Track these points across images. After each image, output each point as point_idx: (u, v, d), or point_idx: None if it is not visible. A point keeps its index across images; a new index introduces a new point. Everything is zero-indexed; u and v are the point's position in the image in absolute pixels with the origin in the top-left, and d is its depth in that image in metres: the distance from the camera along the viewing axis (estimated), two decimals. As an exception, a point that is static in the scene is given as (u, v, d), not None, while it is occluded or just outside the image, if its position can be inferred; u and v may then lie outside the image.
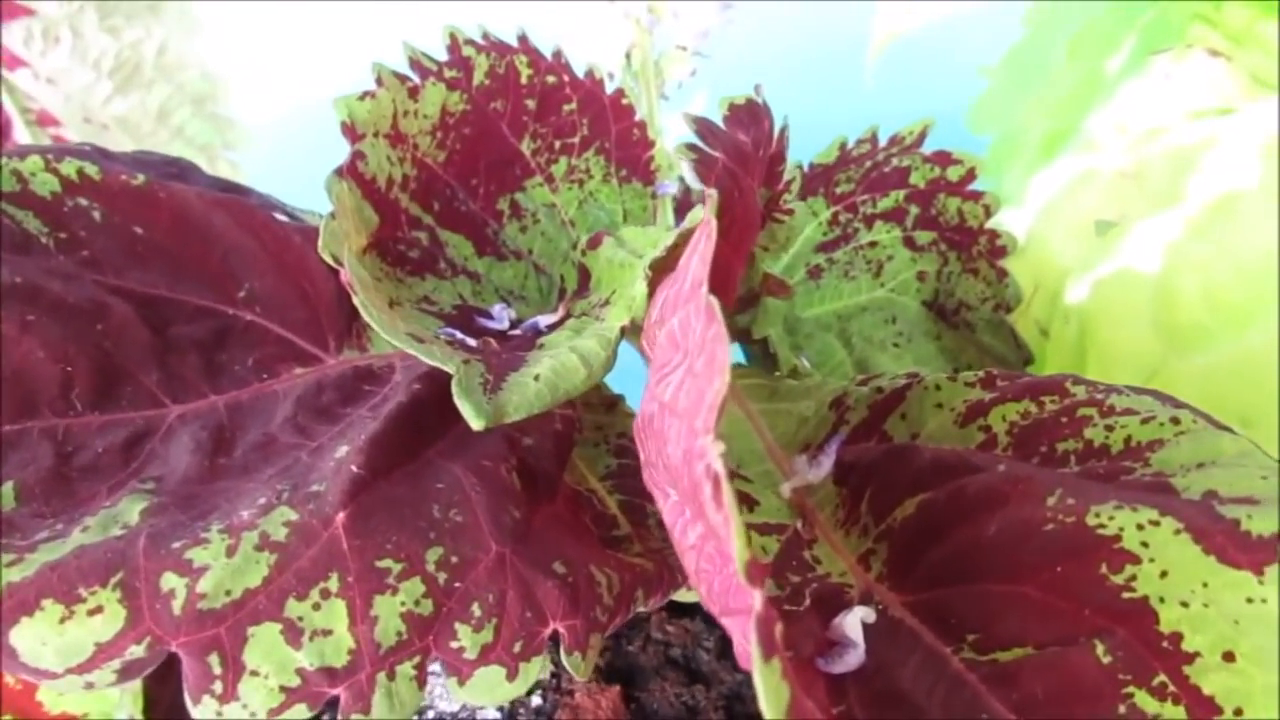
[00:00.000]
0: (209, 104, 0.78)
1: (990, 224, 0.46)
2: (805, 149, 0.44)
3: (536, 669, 0.29)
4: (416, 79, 0.38)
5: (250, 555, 0.28)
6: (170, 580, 0.27)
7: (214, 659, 0.27)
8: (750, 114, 0.33)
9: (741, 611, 0.21)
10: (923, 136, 0.44)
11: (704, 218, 0.23)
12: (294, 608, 0.28)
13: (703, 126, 0.30)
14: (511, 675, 0.29)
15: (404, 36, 0.39)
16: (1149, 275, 0.46)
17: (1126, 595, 0.25)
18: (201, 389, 0.34)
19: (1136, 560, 0.25)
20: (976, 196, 0.45)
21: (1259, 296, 0.43)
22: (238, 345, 0.36)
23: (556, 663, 0.39)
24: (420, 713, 0.39)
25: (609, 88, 0.42)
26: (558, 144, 0.42)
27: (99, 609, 0.27)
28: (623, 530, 0.36)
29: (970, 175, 0.45)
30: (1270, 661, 0.23)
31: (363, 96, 0.36)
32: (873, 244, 0.47)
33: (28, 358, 0.32)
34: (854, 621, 0.28)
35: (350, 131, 0.35)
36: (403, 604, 0.28)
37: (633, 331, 0.34)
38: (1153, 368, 0.46)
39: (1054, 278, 0.50)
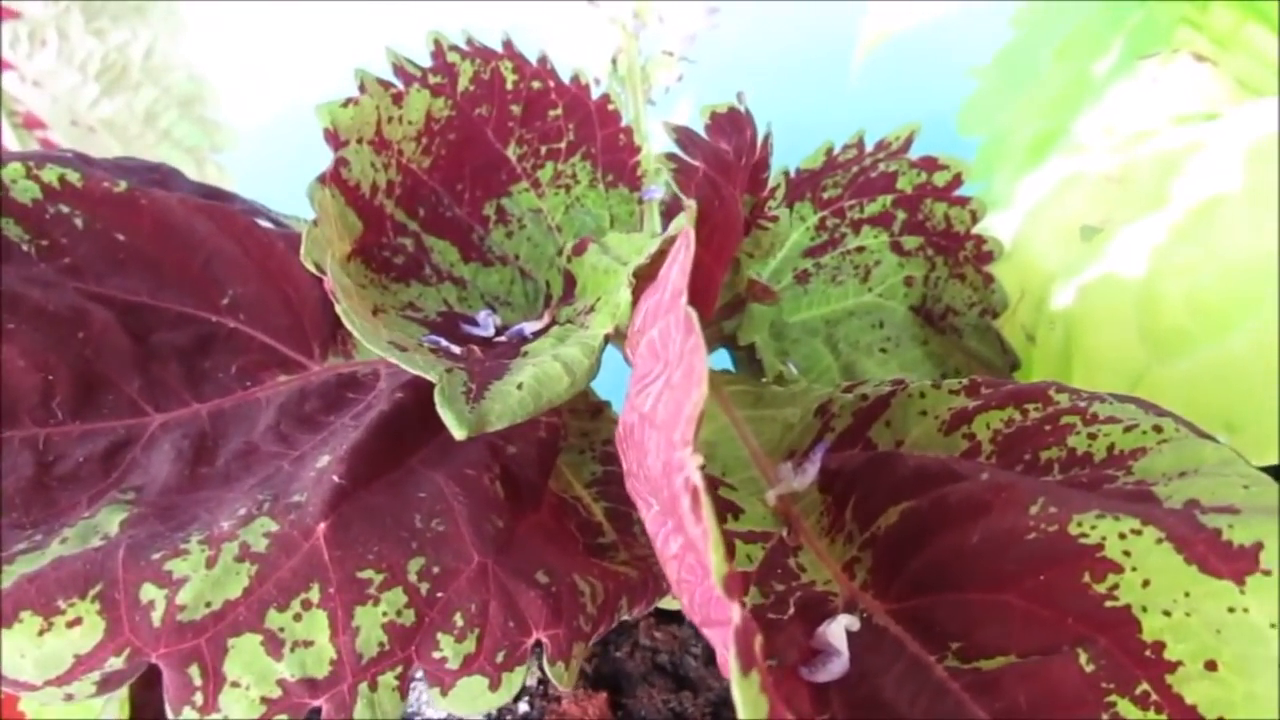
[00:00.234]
0: (196, 106, 0.78)
1: (977, 229, 0.46)
2: (794, 151, 0.44)
3: (519, 679, 0.29)
4: (400, 85, 0.37)
5: (230, 566, 0.28)
6: (150, 591, 0.27)
7: (194, 670, 0.27)
8: (732, 122, 0.33)
9: (721, 623, 0.20)
10: (909, 141, 0.44)
11: (683, 228, 0.23)
12: (275, 619, 0.28)
13: (683, 135, 0.30)
14: (494, 685, 0.29)
15: (391, 40, 0.38)
16: (1134, 280, 0.46)
17: (1109, 604, 0.25)
18: (184, 397, 0.34)
19: (1119, 569, 0.25)
20: (963, 201, 0.45)
21: (1242, 301, 0.43)
22: (221, 352, 0.36)
23: (543, 669, 0.39)
24: (406, 720, 0.39)
25: (595, 93, 0.42)
26: (544, 149, 0.42)
27: (78, 620, 0.26)
28: (608, 538, 0.36)
29: (957, 180, 0.45)
30: (1252, 670, 0.23)
31: (346, 103, 0.35)
32: (860, 249, 0.47)
33: (8, 366, 0.31)
34: (838, 630, 0.28)
35: (333, 138, 0.35)
36: (384, 614, 0.28)
37: (617, 338, 0.34)
38: (1138, 373, 0.46)
39: (1040, 283, 0.50)
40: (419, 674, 0.29)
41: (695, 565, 0.23)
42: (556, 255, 0.42)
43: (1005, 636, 0.26)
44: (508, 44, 0.40)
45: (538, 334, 0.36)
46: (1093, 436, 0.29)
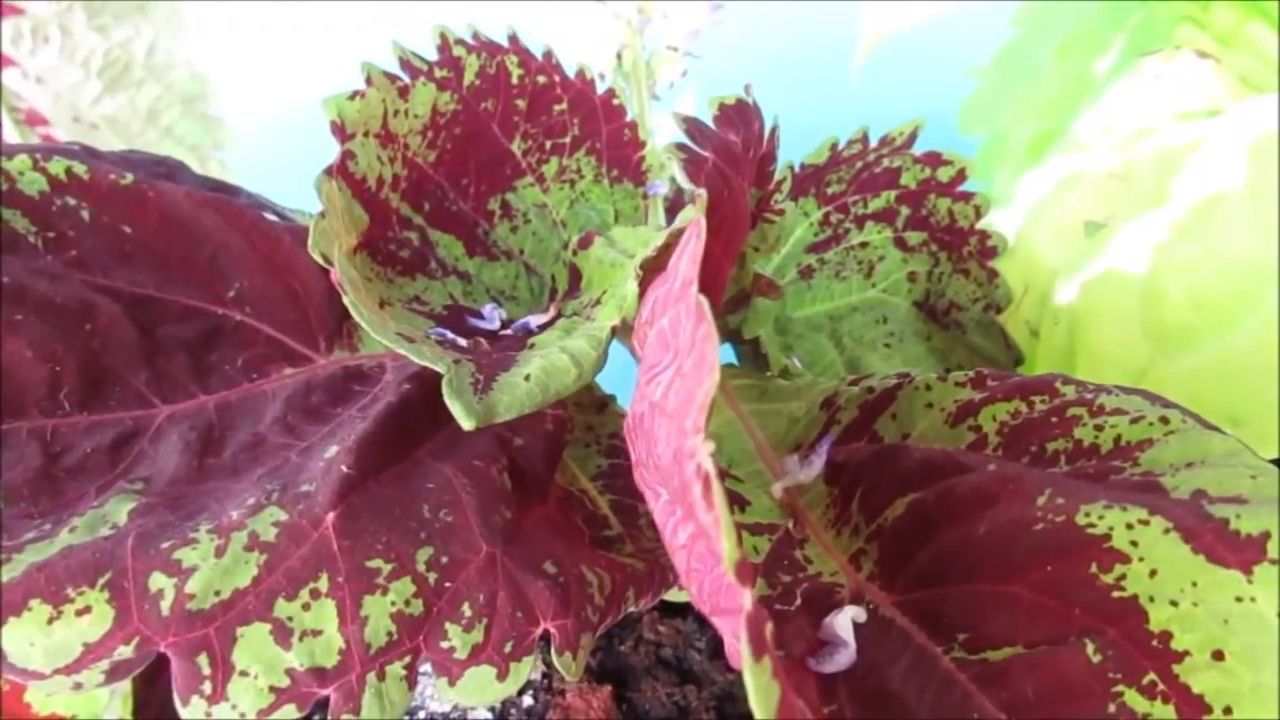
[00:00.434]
0: (199, 104, 0.78)
1: (980, 225, 0.46)
2: (796, 149, 0.44)
3: (527, 669, 0.29)
4: (407, 79, 0.37)
5: (239, 555, 0.28)
6: (159, 580, 0.27)
7: (203, 659, 0.27)
8: (740, 114, 0.33)
9: (732, 611, 0.20)
10: (913, 137, 0.44)
11: (693, 217, 0.23)
12: (283, 608, 0.28)
13: (692, 126, 0.30)
14: (502, 675, 0.29)
15: (395, 36, 0.38)
16: (1136, 276, 0.46)
17: (1116, 595, 0.25)
18: (190, 389, 0.34)
19: (1126, 560, 0.25)
20: (967, 197, 0.45)
21: (1245, 297, 0.43)
22: (227, 345, 0.36)
23: (548, 663, 0.39)
24: (411, 713, 0.39)
25: (600, 88, 0.42)
26: (549, 144, 0.42)
27: (87, 609, 0.26)
28: (614, 530, 0.36)
29: (960, 176, 0.45)
30: (1259, 661, 0.23)
31: (352, 96, 0.35)
32: (864, 244, 0.47)
33: (15, 358, 0.31)
34: (845, 621, 0.28)
35: (340, 131, 0.35)
36: (393, 604, 0.28)
37: (624, 331, 0.34)
38: (1141, 368, 0.46)
39: (1043, 278, 0.51)
40: (426, 664, 0.29)
41: (705, 553, 0.23)
42: (561, 250, 0.42)
43: (1012, 627, 0.26)
44: (513, 38, 0.40)
45: (543, 327, 0.36)
46: (1099, 428, 0.29)
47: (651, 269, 0.32)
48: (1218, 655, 0.24)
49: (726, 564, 0.19)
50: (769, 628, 0.19)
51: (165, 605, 0.27)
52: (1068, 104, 0.65)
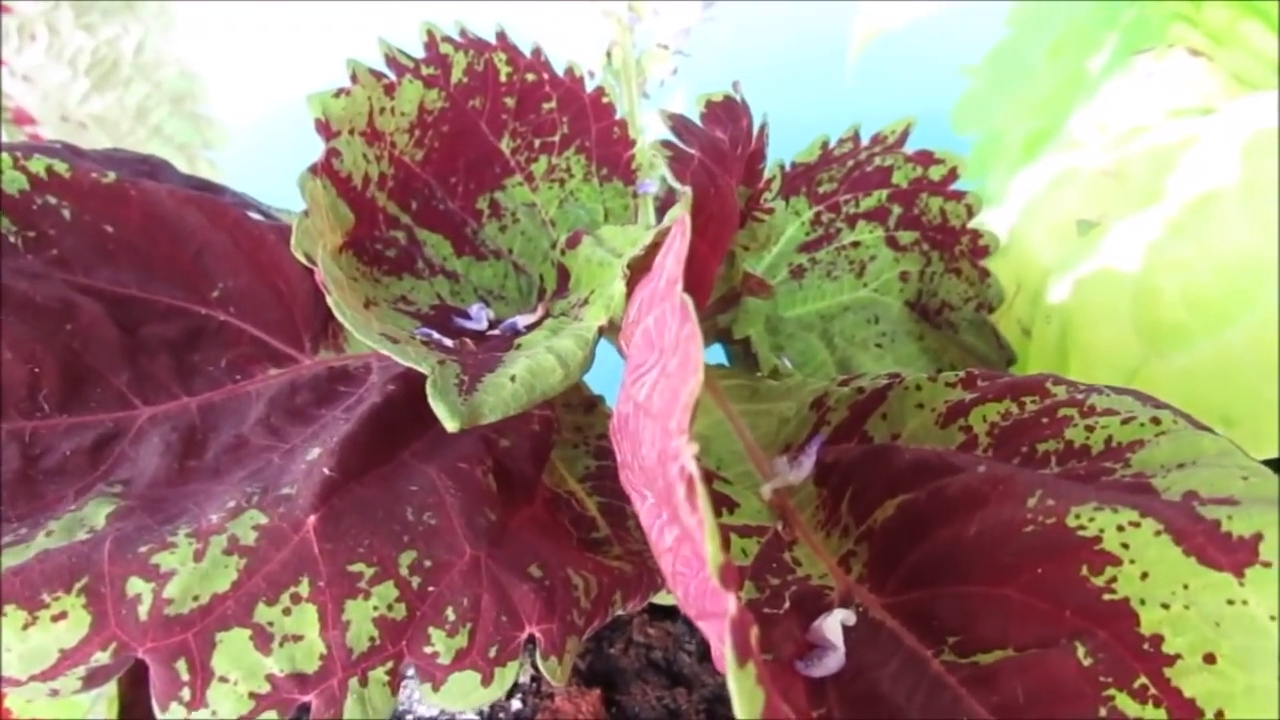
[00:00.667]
0: (187, 102, 0.78)
1: (972, 224, 0.46)
2: (789, 147, 0.44)
3: (512, 674, 0.29)
4: (393, 76, 0.37)
5: (218, 559, 0.27)
6: (136, 585, 0.27)
7: (181, 665, 0.26)
8: (728, 111, 0.33)
9: (716, 615, 0.20)
10: (905, 135, 0.44)
11: (678, 215, 0.23)
12: (263, 613, 0.27)
13: (679, 124, 0.30)
14: (486, 680, 0.29)
15: (383, 34, 0.38)
16: (1130, 274, 0.46)
17: (1107, 597, 0.25)
18: (173, 390, 0.34)
19: (1117, 562, 0.25)
20: (959, 196, 0.45)
21: (1239, 295, 0.43)
22: (210, 345, 0.35)
23: (536, 666, 0.38)
24: (398, 717, 0.39)
25: (589, 86, 0.42)
26: (537, 142, 0.42)
27: (63, 615, 0.26)
28: (602, 532, 0.35)
29: (952, 175, 0.45)
30: (1251, 663, 0.23)
31: (338, 93, 0.35)
32: (855, 244, 0.47)
33: (-6, 358, 0.31)
34: (834, 624, 0.28)
35: (325, 129, 0.34)
36: (375, 608, 0.28)
37: (611, 331, 0.33)
38: (1134, 367, 0.45)
39: (1036, 277, 0.50)
40: (410, 669, 0.29)
41: (691, 557, 0.22)
42: (550, 249, 0.42)
43: (1003, 630, 0.26)
44: (501, 35, 0.40)
45: (531, 327, 0.35)
46: (1090, 429, 0.29)
47: (639, 268, 0.32)
48: (1209, 658, 0.23)
49: (711, 568, 0.18)
50: (754, 632, 0.19)
51: (143, 610, 0.26)
52: (1061, 102, 0.65)
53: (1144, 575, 0.25)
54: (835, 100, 0.85)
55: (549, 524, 0.34)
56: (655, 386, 0.22)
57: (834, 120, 0.45)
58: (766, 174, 0.42)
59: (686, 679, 0.40)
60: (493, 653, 0.29)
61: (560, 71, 0.41)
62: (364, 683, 0.28)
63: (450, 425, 0.27)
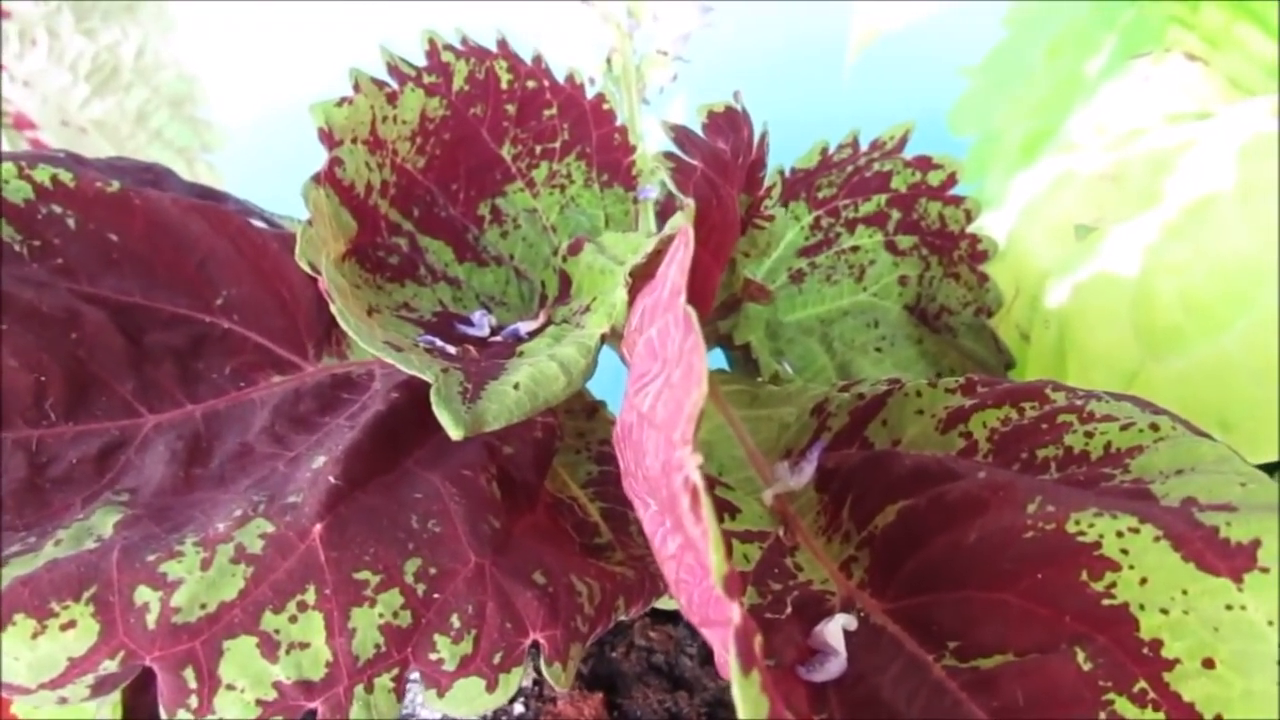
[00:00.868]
0: (187, 106, 0.78)
1: (971, 228, 0.46)
2: (788, 150, 0.44)
3: (516, 680, 0.29)
4: (395, 85, 0.37)
5: (225, 568, 0.28)
6: (144, 594, 0.27)
7: (189, 673, 0.27)
8: (729, 121, 0.33)
9: (720, 623, 0.20)
10: (904, 140, 0.44)
11: (682, 226, 0.23)
12: (270, 620, 0.27)
13: (681, 135, 0.30)
14: (491, 686, 0.29)
15: (383, 38, 0.38)
16: (1128, 278, 0.46)
17: (1106, 602, 0.25)
18: (178, 398, 0.34)
19: (1116, 567, 0.25)
20: (958, 201, 0.45)
21: (1236, 298, 0.43)
22: (215, 353, 0.36)
23: (539, 670, 0.39)
24: (402, 721, 0.39)
25: (589, 92, 0.42)
26: (538, 149, 0.42)
27: (71, 623, 0.26)
28: (604, 538, 0.36)
29: (951, 180, 0.45)
30: (1250, 668, 0.23)
31: (340, 102, 0.35)
32: (854, 248, 0.47)
33: (0, 367, 0.31)
34: (835, 629, 0.28)
35: (328, 137, 0.35)
36: (381, 616, 0.28)
37: (613, 338, 0.34)
38: (1132, 371, 0.46)
39: (1034, 281, 0.51)
40: (415, 676, 0.29)
41: (694, 565, 0.23)
42: (552, 255, 0.42)
43: (1003, 635, 0.26)
44: (502, 43, 0.40)
45: (533, 334, 0.36)
46: (1089, 435, 0.29)
47: (641, 276, 0.32)
48: (1208, 663, 0.23)
49: (715, 577, 0.19)
50: (758, 640, 0.19)
51: (151, 619, 0.27)
52: (1059, 104, 0.65)
53: (1143, 581, 0.25)
54: (833, 101, 0.85)
55: (552, 530, 0.34)
56: (659, 397, 0.22)
57: (832, 121, 0.45)
58: (766, 180, 0.42)
59: (688, 682, 0.41)
60: (497, 659, 0.29)
61: (561, 78, 0.41)
62: (369, 689, 0.28)
63: (454, 433, 0.27)
